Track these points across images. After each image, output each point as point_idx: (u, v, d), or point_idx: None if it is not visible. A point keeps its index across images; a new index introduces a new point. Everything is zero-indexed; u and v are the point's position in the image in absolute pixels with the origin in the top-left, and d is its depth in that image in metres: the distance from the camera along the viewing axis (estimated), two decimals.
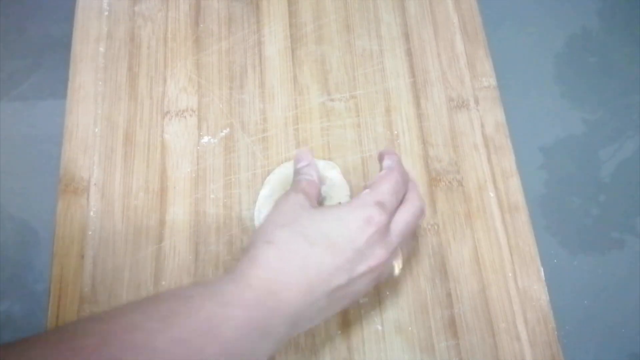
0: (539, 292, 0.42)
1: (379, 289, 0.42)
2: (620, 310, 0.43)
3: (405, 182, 0.37)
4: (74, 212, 0.44)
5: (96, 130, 0.47)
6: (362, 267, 0.33)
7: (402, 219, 0.35)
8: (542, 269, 0.43)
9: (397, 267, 0.36)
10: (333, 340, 0.40)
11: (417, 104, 0.48)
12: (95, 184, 0.45)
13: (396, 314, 0.41)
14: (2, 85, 0.49)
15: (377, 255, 0.33)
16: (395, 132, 0.47)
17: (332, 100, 0.48)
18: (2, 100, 0.49)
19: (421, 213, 0.37)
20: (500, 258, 0.43)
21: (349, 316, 0.41)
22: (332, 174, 0.43)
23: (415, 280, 0.42)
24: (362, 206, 0.34)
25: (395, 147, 0.47)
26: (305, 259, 0.32)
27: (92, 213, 0.44)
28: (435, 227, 0.44)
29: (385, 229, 0.34)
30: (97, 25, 0.50)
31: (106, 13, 0.51)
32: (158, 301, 0.29)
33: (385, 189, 0.35)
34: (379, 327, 0.41)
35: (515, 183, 0.45)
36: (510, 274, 0.43)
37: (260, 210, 0.43)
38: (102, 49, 0.50)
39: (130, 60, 0.49)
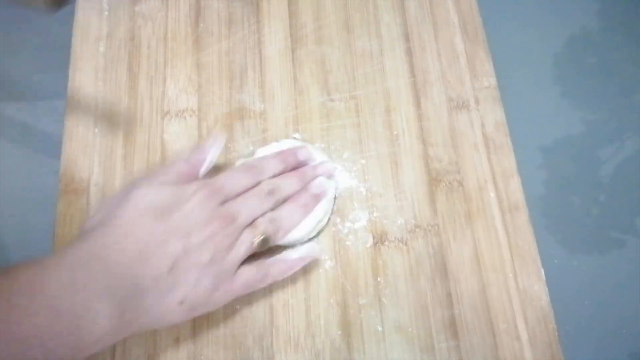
0: (539, 292, 0.42)
1: (379, 289, 0.42)
2: (620, 310, 0.43)
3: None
4: (74, 212, 0.44)
5: (96, 130, 0.47)
6: (190, 241, 0.33)
7: (241, 197, 0.37)
8: (542, 269, 0.43)
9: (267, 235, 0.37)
10: (333, 340, 0.40)
11: (417, 104, 0.48)
12: (95, 184, 0.45)
13: (396, 314, 0.41)
14: (2, 85, 0.49)
15: (204, 229, 0.34)
16: (395, 132, 0.47)
17: (332, 100, 0.48)
18: (2, 100, 0.49)
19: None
20: (501, 258, 0.43)
21: (349, 316, 0.41)
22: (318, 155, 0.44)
23: (415, 280, 0.42)
24: (193, 184, 0.36)
25: (395, 147, 0.47)
26: (133, 228, 0.32)
27: (92, 213, 0.44)
28: (436, 227, 0.44)
29: (208, 201, 0.35)
30: (97, 25, 0.50)
31: (106, 13, 0.51)
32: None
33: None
34: (379, 327, 0.41)
35: (515, 183, 0.45)
36: (510, 274, 0.43)
37: None
38: (102, 49, 0.50)
39: (130, 60, 0.49)
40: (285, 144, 0.44)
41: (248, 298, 0.41)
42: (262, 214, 0.38)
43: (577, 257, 0.45)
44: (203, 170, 0.38)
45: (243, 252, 0.36)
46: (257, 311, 0.41)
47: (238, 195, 0.37)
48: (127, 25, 0.51)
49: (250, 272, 0.37)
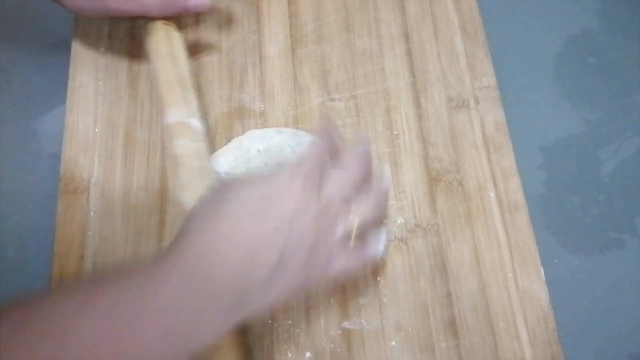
0: (539, 291, 0.42)
1: (379, 289, 0.42)
2: (620, 310, 0.43)
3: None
4: (74, 211, 0.44)
5: (96, 129, 0.47)
6: (295, 231, 0.32)
7: (336, 176, 0.35)
8: (542, 269, 0.43)
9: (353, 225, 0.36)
10: (333, 340, 0.40)
11: (417, 104, 0.48)
12: (95, 183, 0.45)
13: (396, 313, 0.41)
14: (2, 85, 0.49)
15: (307, 216, 0.33)
16: (395, 131, 0.47)
17: (332, 100, 0.48)
18: (2, 99, 0.49)
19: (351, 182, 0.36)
20: (500, 258, 0.43)
21: (349, 316, 0.41)
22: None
23: (415, 280, 0.42)
24: (282, 171, 0.34)
25: (395, 147, 0.47)
26: (235, 228, 0.31)
27: (92, 213, 0.44)
28: (435, 227, 0.44)
29: (306, 188, 0.33)
30: (97, 25, 0.50)
31: None
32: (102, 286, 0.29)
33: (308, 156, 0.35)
34: (379, 328, 0.41)
35: (515, 183, 0.45)
36: (510, 274, 0.43)
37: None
38: (102, 49, 0.50)
39: (130, 60, 0.49)
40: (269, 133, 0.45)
41: None
42: (351, 200, 0.36)
43: (576, 256, 0.45)
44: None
45: (339, 238, 0.35)
46: None
47: (327, 175, 0.35)
48: (127, 25, 0.51)
49: (345, 258, 0.36)
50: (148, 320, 0.28)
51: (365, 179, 0.37)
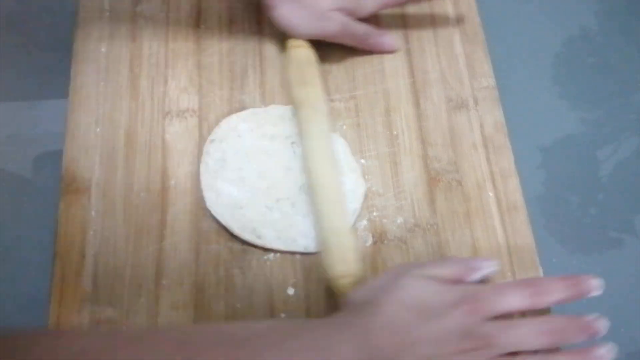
0: None
1: None
2: (619, 310, 0.43)
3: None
4: (75, 211, 0.44)
5: (97, 130, 0.47)
6: (448, 346, 0.33)
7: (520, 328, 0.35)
8: (540, 268, 0.43)
9: None
10: None
11: (417, 104, 0.49)
12: (96, 183, 0.45)
13: None
14: (3, 85, 0.50)
15: (467, 344, 0.33)
16: (395, 132, 0.48)
17: (332, 100, 0.48)
18: (3, 99, 0.49)
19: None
20: (499, 257, 0.43)
21: None
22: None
23: None
24: (458, 289, 0.35)
25: (394, 147, 0.47)
26: (394, 319, 0.34)
27: (93, 213, 0.44)
28: (435, 227, 0.44)
29: (476, 321, 0.34)
30: (98, 26, 0.51)
31: (108, 14, 0.51)
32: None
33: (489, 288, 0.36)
34: None
35: (514, 183, 0.46)
36: (509, 273, 0.43)
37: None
38: (103, 49, 0.50)
39: (131, 61, 0.50)
40: (273, 110, 0.47)
41: (248, 298, 0.41)
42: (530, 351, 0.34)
43: (575, 256, 0.45)
44: (472, 278, 0.37)
45: None
46: (258, 311, 0.41)
47: (505, 314, 0.35)
48: (128, 25, 0.51)
49: None
50: None
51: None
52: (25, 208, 0.45)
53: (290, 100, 0.47)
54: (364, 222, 0.44)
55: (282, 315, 0.41)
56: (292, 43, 0.48)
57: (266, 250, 0.43)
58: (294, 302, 0.42)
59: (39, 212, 0.45)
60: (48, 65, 0.51)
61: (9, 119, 0.48)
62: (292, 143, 0.45)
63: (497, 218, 0.44)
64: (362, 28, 0.48)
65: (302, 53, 0.47)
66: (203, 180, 0.44)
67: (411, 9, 0.52)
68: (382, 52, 0.50)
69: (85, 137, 0.47)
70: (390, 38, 0.50)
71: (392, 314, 0.34)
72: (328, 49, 0.50)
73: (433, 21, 0.52)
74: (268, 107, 0.47)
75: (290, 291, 0.42)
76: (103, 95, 0.48)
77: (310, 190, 0.43)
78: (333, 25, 0.47)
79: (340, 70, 0.50)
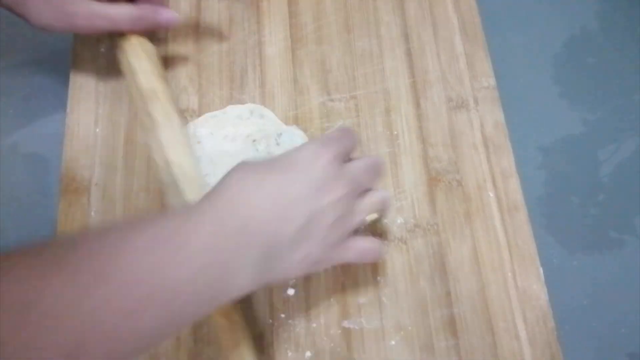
0: (539, 291, 0.42)
1: (379, 288, 0.42)
2: (620, 310, 0.43)
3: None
4: (74, 211, 0.44)
5: (97, 130, 0.47)
6: (322, 199, 0.33)
7: (358, 163, 0.36)
8: (541, 269, 0.43)
9: (366, 214, 0.37)
10: (333, 339, 0.41)
11: (417, 104, 0.49)
12: (96, 183, 0.45)
13: (396, 313, 0.41)
14: (3, 85, 0.50)
15: (334, 188, 0.34)
16: (395, 132, 0.47)
17: (332, 100, 0.48)
18: (2, 99, 0.49)
19: (376, 166, 0.38)
20: (500, 258, 0.43)
21: (350, 316, 0.41)
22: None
23: (414, 279, 0.42)
24: (312, 142, 0.36)
25: (394, 147, 0.47)
26: (268, 184, 0.33)
27: (93, 213, 0.44)
28: (435, 227, 0.44)
29: (335, 161, 0.34)
30: None
31: None
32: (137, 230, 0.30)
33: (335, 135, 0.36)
34: (379, 327, 0.41)
35: (514, 183, 0.46)
36: (509, 274, 0.43)
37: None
38: (103, 49, 0.50)
39: None
40: (231, 111, 0.46)
41: (248, 298, 0.41)
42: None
43: (576, 256, 0.45)
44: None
45: (358, 221, 0.36)
46: (257, 311, 0.41)
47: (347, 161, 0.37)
48: None
49: (365, 241, 0.37)
50: (183, 259, 0.29)
51: (374, 182, 0.38)
52: (24, 208, 0.45)
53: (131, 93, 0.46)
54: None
55: (282, 315, 0.41)
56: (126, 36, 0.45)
57: None
58: (294, 302, 0.42)
59: (38, 212, 0.45)
60: (48, 64, 0.51)
61: (9, 119, 0.48)
62: (254, 141, 0.45)
63: (498, 218, 0.44)
64: (123, 11, 0.43)
65: (134, 43, 0.45)
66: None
67: (411, 9, 0.52)
68: (167, 28, 0.48)
69: (84, 137, 0.47)
70: (167, 11, 0.44)
71: (264, 176, 0.33)
72: (328, 49, 0.50)
73: (433, 21, 0.52)
74: (226, 108, 0.47)
75: (290, 291, 0.42)
76: (102, 95, 0.48)
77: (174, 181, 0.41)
78: (80, 20, 0.41)
79: (340, 70, 0.50)
